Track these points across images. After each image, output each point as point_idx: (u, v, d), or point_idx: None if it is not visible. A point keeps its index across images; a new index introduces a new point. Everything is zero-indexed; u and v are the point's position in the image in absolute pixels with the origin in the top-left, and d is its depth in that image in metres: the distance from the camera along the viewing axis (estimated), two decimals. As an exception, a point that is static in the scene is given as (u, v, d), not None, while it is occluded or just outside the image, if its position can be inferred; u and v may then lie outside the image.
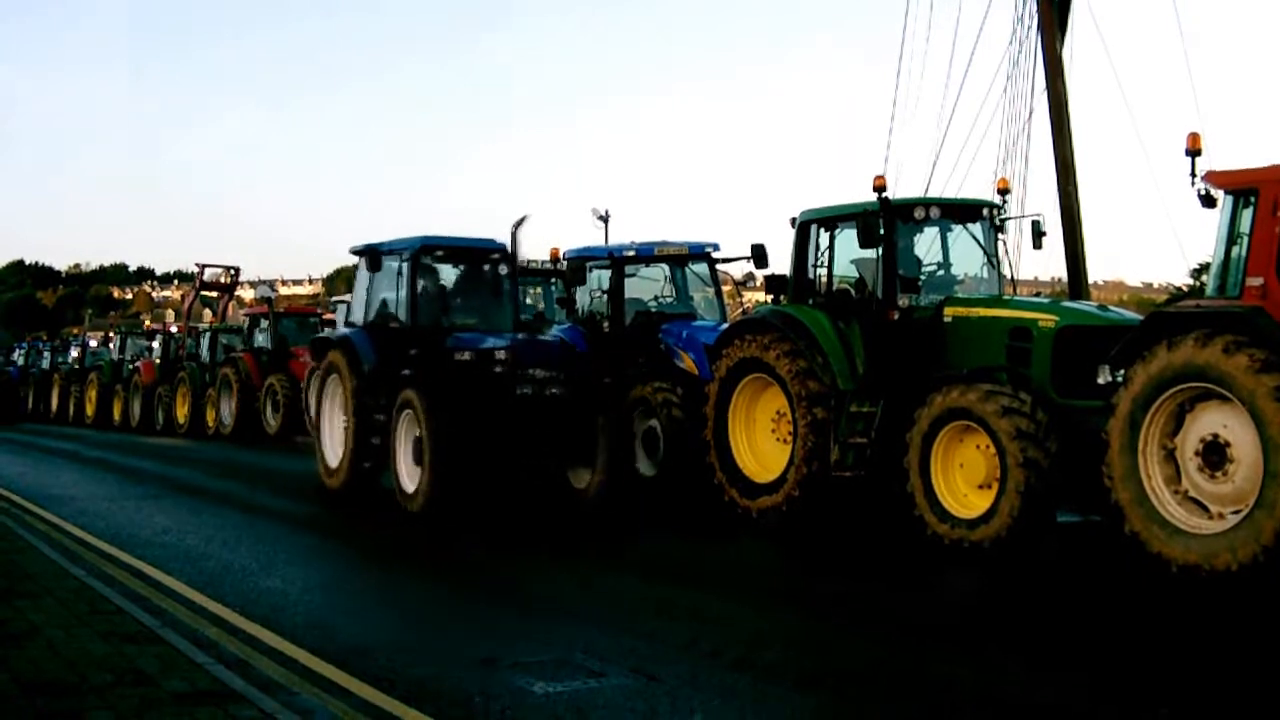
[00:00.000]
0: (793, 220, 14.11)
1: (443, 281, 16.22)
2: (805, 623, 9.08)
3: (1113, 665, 7.63)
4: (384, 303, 16.08)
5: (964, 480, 11.55)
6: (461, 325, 15.40)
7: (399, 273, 15.63)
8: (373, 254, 16.01)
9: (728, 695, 6.93)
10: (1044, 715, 6.69)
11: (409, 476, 14.20)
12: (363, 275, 16.44)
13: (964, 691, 7.09)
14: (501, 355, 14.09)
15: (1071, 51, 17.89)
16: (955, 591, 10.67)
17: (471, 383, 14.10)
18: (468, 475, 13.92)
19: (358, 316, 16.44)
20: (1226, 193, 10.45)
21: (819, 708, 6.87)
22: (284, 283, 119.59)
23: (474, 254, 16.07)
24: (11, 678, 6.54)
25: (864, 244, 12.66)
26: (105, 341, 44.67)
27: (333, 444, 16.10)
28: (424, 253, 15.56)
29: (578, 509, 14.24)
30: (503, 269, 15.94)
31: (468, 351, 14.52)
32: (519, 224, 14.48)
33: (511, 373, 13.94)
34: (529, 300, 22.62)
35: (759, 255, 16.05)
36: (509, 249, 15.20)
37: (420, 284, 15.50)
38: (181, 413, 31.96)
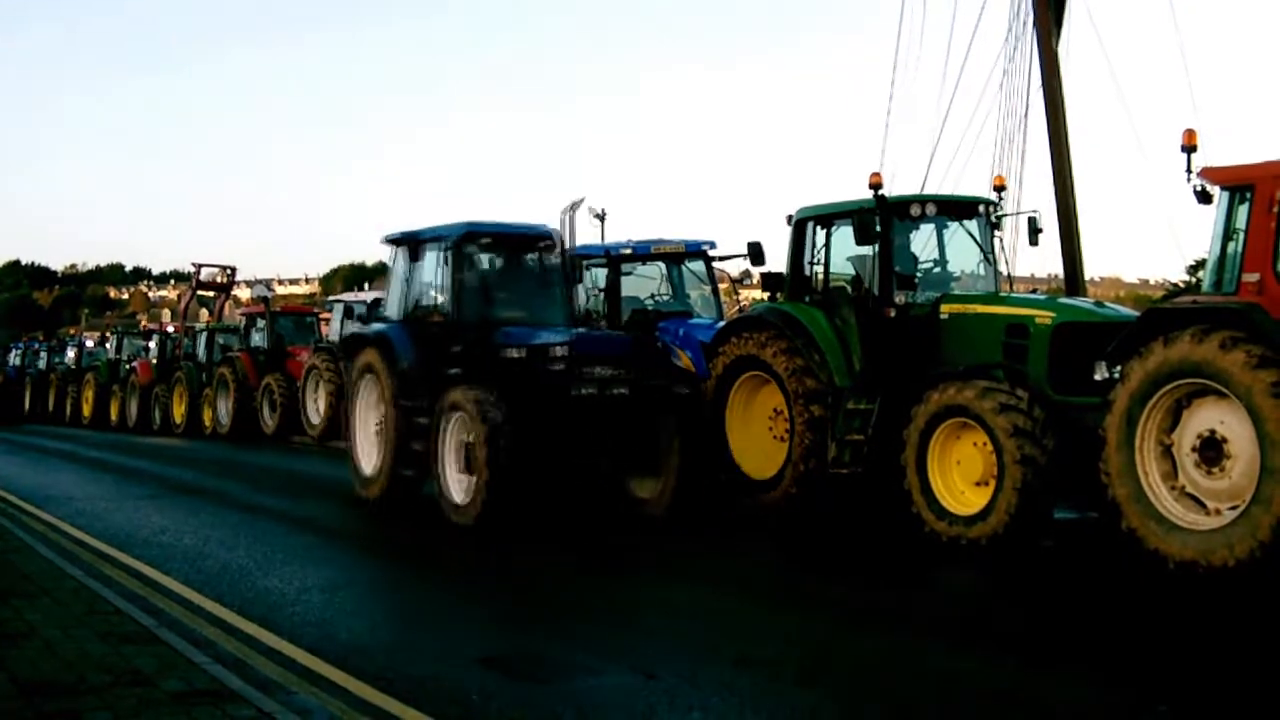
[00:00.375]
0: (789, 218, 14.12)
1: (487, 272, 14.80)
2: (804, 620, 9.08)
3: (1111, 661, 7.63)
4: (423, 295, 14.84)
5: (961, 477, 11.56)
6: (508, 319, 14.05)
7: (440, 263, 14.31)
8: (413, 242, 14.78)
9: (727, 693, 6.93)
10: (1043, 711, 6.69)
11: (457, 486, 12.90)
12: (398, 266, 15.22)
13: (963, 687, 7.10)
14: (560, 352, 12.78)
15: (1068, 48, 17.89)
16: (953, 588, 10.68)
17: (527, 383, 12.80)
18: (525, 485, 12.60)
19: (393, 311, 15.24)
20: (1222, 189, 10.46)
21: (818, 705, 6.87)
22: (280, 282, 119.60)
23: (521, 241, 14.72)
24: (9, 678, 6.54)
25: (860, 241, 12.66)
26: (102, 341, 44.70)
27: (367, 450, 14.93)
28: (467, 240, 14.16)
29: (642, 521, 13.00)
30: (552, 258, 14.68)
31: (519, 348, 13.26)
32: (573, 207, 13.58)
33: (571, 371, 12.66)
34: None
35: (755, 253, 16.06)
36: (560, 235, 14.28)
37: (463, 274, 14.16)
38: (178, 412, 31.95)
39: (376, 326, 15.45)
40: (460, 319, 13.90)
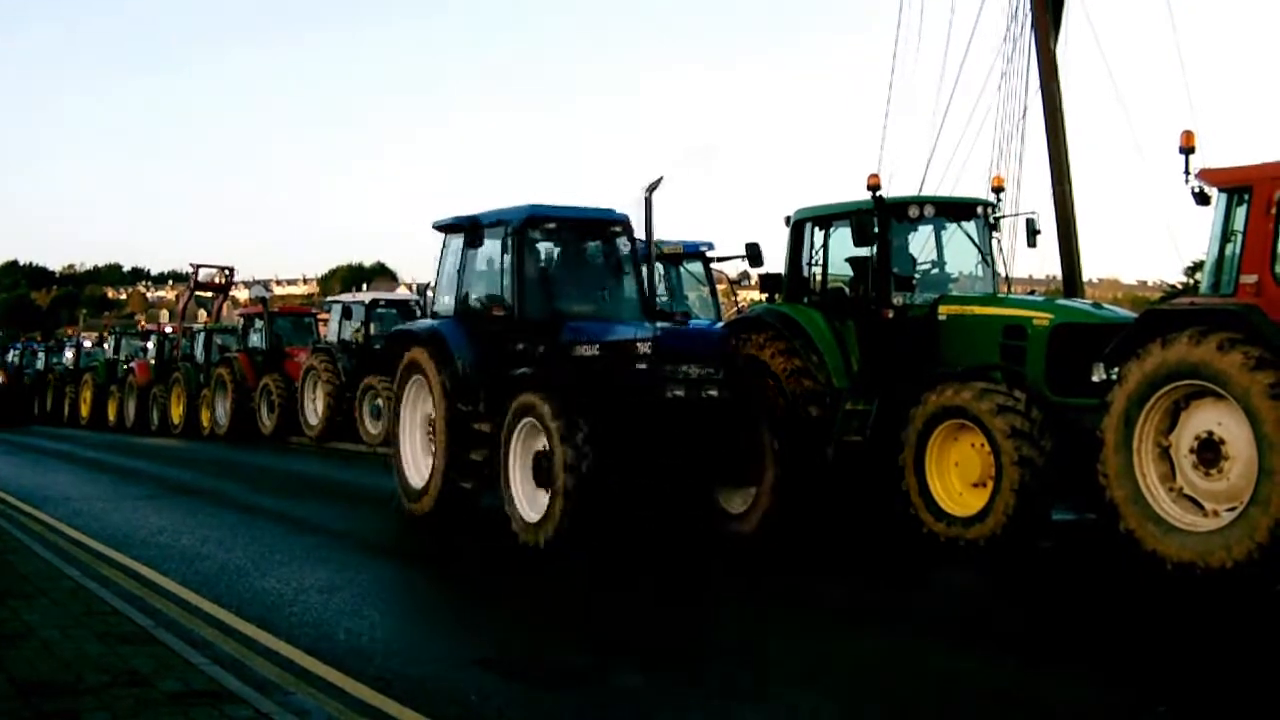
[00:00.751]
0: (787, 219, 14.12)
1: (552, 260, 13.36)
2: (803, 620, 9.08)
3: (1110, 662, 7.64)
4: (479, 287, 13.42)
5: (959, 478, 11.56)
6: (576, 313, 12.71)
7: (500, 250, 12.95)
8: (467, 228, 13.19)
9: (727, 693, 6.93)
10: (1043, 711, 6.70)
11: (528, 501, 11.58)
12: (450, 255, 13.87)
13: (963, 687, 7.10)
14: (643, 349, 11.33)
15: (1066, 49, 17.94)
16: (952, 588, 10.68)
17: (607, 384, 11.41)
18: (611, 501, 11.25)
19: (443, 305, 13.90)
20: (1221, 190, 10.47)
21: (818, 705, 6.87)
22: (278, 282, 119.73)
23: (590, 226, 13.32)
24: (7, 678, 6.54)
25: (858, 242, 12.66)
26: (100, 342, 44.71)
27: (416, 460, 13.81)
28: (530, 225, 12.82)
29: (733, 541, 11.84)
30: (623, 245, 13.29)
31: (593, 344, 11.89)
32: (653, 187, 11.88)
33: (657, 371, 11.24)
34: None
35: (754, 254, 16.05)
36: (634, 220, 12.77)
37: (526, 263, 12.75)
38: (176, 413, 31.96)
39: (425, 323, 14.26)
40: (523, 313, 12.57)
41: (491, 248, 13.18)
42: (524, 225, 12.75)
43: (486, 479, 12.38)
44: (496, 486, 12.05)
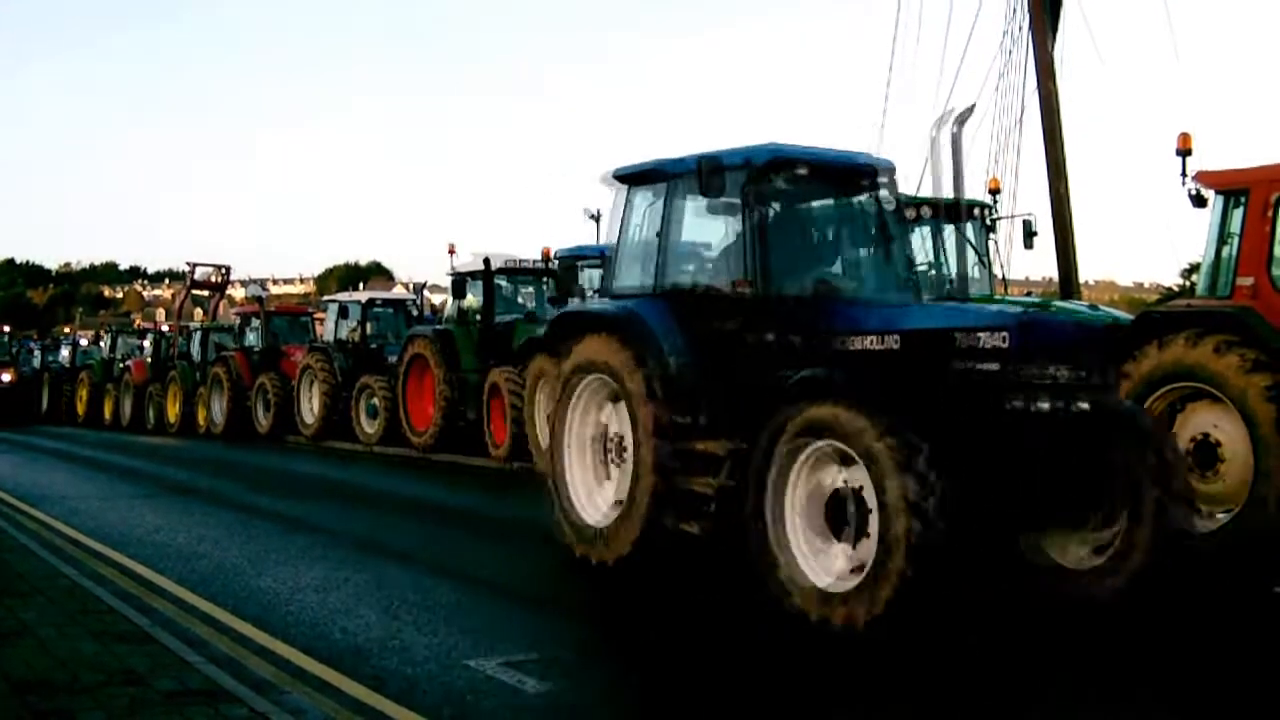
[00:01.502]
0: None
1: (800, 220, 10.15)
2: (800, 623, 9.07)
3: (1107, 662, 7.64)
4: (693, 256, 10.47)
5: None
6: (834, 290, 9.61)
7: (729, 207, 9.73)
8: (692, 174, 9.42)
9: (727, 695, 6.93)
10: (1044, 711, 6.70)
11: (814, 560, 8.23)
12: (640, 215, 10.48)
13: (960, 687, 7.10)
14: (997, 341, 7.93)
15: (1063, 51, 18.01)
16: (946, 588, 10.66)
17: (933, 391, 8.08)
18: (964, 560, 7.82)
19: (629, 279, 10.46)
20: (1217, 193, 10.50)
21: (819, 707, 6.87)
22: (275, 281, 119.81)
23: (848, 175, 9.99)
24: (3, 677, 6.53)
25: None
26: (96, 340, 44.70)
27: (587, 485, 10.58)
28: (774, 171, 9.47)
29: (1081, 606, 8.55)
30: (876, 201, 10.03)
31: (884, 334, 8.58)
32: (963, 118, 9.38)
33: (1012, 371, 7.87)
34: (520, 301, 22.64)
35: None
36: (889, 168, 10.05)
37: (769, 224, 9.49)
38: (172, 412, 31.96)
39: (607, 303, 10.56)
40: (771, 290, 9.27)
41: (710, 203, 9.82)
42: (764, 170, 9.44)
43: (715, 520, 9.14)
44: (729, 530, 8.99)
